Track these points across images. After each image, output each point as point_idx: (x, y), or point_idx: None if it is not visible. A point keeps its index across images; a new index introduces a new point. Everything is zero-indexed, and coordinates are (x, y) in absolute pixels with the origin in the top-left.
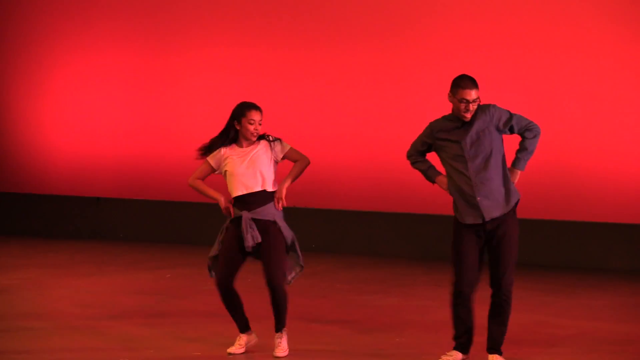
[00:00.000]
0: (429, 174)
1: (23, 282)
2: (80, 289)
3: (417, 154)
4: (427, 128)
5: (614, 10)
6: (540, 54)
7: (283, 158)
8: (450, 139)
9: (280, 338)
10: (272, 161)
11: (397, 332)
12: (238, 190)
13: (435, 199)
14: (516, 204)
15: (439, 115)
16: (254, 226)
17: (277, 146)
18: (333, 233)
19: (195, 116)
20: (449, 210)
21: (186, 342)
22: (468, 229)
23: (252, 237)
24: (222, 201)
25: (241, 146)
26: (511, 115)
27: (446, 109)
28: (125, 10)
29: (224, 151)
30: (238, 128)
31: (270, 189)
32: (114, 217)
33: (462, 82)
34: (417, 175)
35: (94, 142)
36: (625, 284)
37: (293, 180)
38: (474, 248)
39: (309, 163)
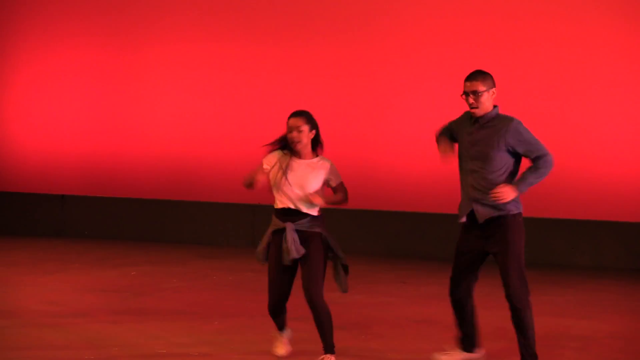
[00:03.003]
0: (438, 135)
1: None
2: (44, 287)
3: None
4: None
5: (611, 9)
6: (529, 49)
7: (334, 186)
8: (461, 132)
9: None
10: (324, 183)
11: (362, 329)
12: (282, 203)
13: (401, 195)
14: (517, 214)
15: (413, 112)
16: (297, 238)
17: (334, 174)
18: None
19: (161, 113)
20: (413, 207)
21: (151, 339)
22: (466, 229)
23: (296, 250)
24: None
25: (298, 157)
26: (528, 140)
27: (421, 106)
28: (90, 6)
29: (277, 154)
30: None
31: (312, 212)
32: (78, 214)
33: (468, 75)
34: (382, 172)
35: (58, 139)
36: (590, 280)
37: (328, 203)
38: (468, 249)
39: (346, 201)
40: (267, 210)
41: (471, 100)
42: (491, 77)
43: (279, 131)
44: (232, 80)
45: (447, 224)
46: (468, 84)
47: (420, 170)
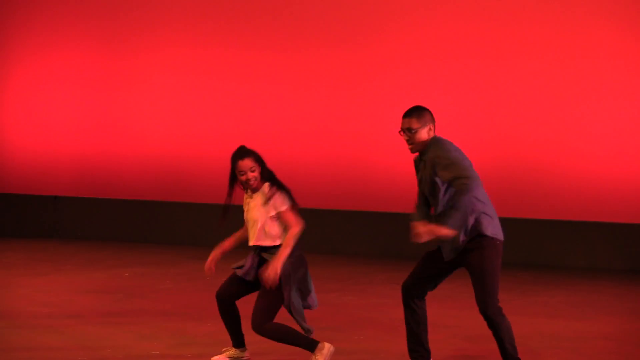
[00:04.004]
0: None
1: None
2: (37, 288)
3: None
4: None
5: (611, 12)
6: (527, 53)
7: (278, 216)
8: (417, 171)
9: None
10: (268, 212)
11: (355, 330)
12: (250, 240)
13: (394, 197)
14: (480, 236)
15: (396, 116)
16: (256, 263)
17: (277, 201)
18: None
19: (154, 115)
20: (407, 209)
21: (144, 340)
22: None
23: (252, 273)
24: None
25: (251, 191)
26: (440, 162)
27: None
28: (84, 11)
29: (245, 197)
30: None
31: (273, 243)
32: (71, 215)
33: (405, 112)
34: (376, 173)
35: (51, 140)
36: (583, 281)
37: (286, 257)
38: (432, 260)
39: (299, 232)
40: None
41: (406, 138)
42: (429, 113)
43: (273, 133)
44: (225, 83)
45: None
46: (403, 120)
47: (413, 172)
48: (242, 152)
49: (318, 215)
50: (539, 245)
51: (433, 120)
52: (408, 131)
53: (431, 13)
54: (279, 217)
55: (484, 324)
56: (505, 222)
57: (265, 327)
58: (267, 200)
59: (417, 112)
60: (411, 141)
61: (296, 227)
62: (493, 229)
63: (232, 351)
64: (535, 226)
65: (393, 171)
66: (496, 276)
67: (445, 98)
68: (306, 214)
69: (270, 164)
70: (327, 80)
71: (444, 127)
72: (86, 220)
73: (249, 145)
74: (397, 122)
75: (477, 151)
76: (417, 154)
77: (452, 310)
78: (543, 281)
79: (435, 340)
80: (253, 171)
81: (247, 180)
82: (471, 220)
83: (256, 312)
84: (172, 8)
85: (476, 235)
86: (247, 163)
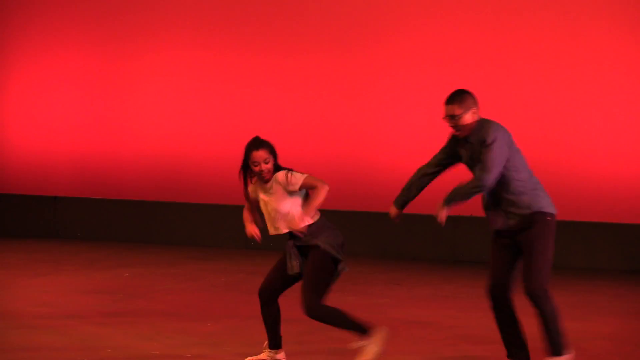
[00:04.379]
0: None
1: None
2: (37, 288)
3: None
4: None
5: (611, 11)
6: (526, 52)
7: (300, 188)
8: (459, 151)
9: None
10: (292, 196)
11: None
12: (271, 230)
13: (393, 197)
14: (540, 213)
15: (407, 115)
16: (296, 253)
17: (292, 179)
18: None
19: (154, 116)
20: (407, 209)
21: (144, 341)
22: (496, 234)
23: (296, 264)
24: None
25: (263, 182)
26: (486, 146)
27: (416, 109)
28: (86, 12)
29: (251, 187)
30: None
31: (299, 226)
32: (71, 216)
33: (447, 98)
34: (377, 173)
35: (51, 141)
36: (582, 281)
37: (311, 213)
38: (500, 251)
39: (327, 189)
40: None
41: (451, 124)
42: (470, 96)
43: (273, 135)
44: (224, 84)
45: (439, 226)
46: (446, 107)
47: (412, 172)
48: (257, 143)
49: (322, 217)
50: None
51: (476, 103)
52: (452, 118)
53: (433, 16)
54: (302, 189)
55: (484, 323)
56: None
57: (320, 308)
58: (287, 185)
59: (458, 97)
60: (457, 127)
61: (323, 184)
62: (547, 204)
63: (267, 352)
64: None
65: (394, 172)
66: (547, 254)
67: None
68: None
69: None
70: (327, 82)
71: (445, 127)
72: (86, 221)
73: (260, 134)
74: (399, 122)
75: None
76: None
77: (451, 311)
78: None
79: (436, 340)
80: (267, 163)
81: (261, 171)
82: (525, 198)
83: (306, 293)
84: (171, 10)
85: (530, 212)
86: (261, 154)
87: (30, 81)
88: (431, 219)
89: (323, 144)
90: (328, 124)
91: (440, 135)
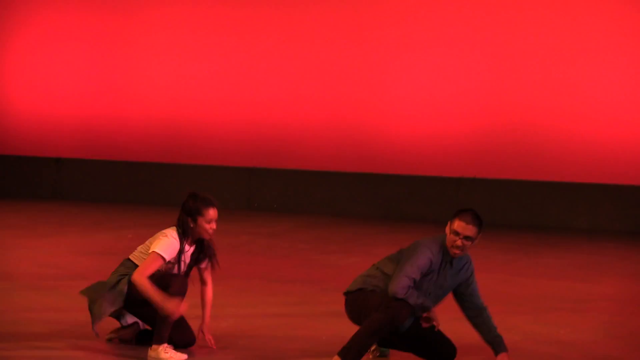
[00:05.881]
0: (426, 303)
1: None
2: (41, 250)
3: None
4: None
5: None
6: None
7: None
8: (434, 270)
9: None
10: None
11: None
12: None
13: (397, 158)
14: None
15: (408, 76)
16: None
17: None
18: (294, 193)
19: (158, 76)
20: (410, 170)
21: None
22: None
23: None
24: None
25: (188, 242)
26: (475, 282)
27: (417, 70)
28: None
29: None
30: (192, 226)
31: None
32: (74, 177)
33: (464, 215)
34: (378, 136)
35: (54, 102)
36: (586, 243)
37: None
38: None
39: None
40: (264, 174)
41: (459, 243)
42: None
43: (277, 95)
44: (227, 43)
45: (442, 186)
46: (464, 225)
47: (415, 134)
48: (212, 201)
49: (322, 177)
50: (543, 207)
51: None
52: (467, 239)
53: None
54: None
55: (487, 284)
56: (509, 184)
57: None
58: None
59: (479, 222)
60: (462, 249)
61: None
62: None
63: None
64: (538, 188)
65: (397, 133)
66: None
67: (450, 62)
68: (307, 176)
69: (274, 126)
70: (334, 40)
71: (450, 89)
72: (89, 182)
73: (255, 106)
74: (401, 85)
75: (481, 114)
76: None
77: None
78: (546, 243)
79: None
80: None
81: (212, 230)
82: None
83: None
84: None
85: None
86: (217, 213)
87: (32, 41)
88: (435, 180)
89: (327, 105)
90: (333, 86)
91: (445, 94)
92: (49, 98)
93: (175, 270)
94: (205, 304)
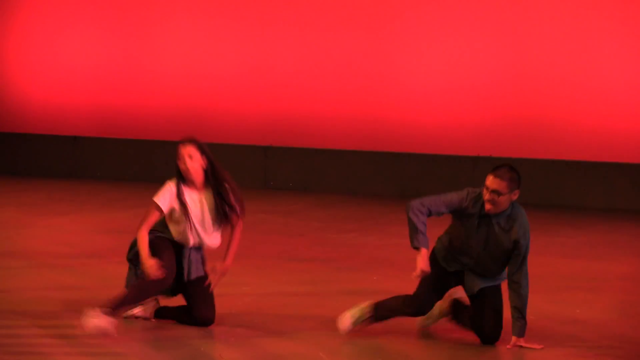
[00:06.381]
0: (419, 238)
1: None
2: (57, 228)
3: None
4: (460, 192)
5: None
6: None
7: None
8: (469, 216)
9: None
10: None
11: (374, 270)
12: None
13: (413, 137)
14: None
15: (414, 54)
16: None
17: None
18: (310, 171)
19: (174, 53)
20: (426, 149)
21: None
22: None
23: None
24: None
25: (190, 186)
26: (521, 253)
27: (425, 55)
28: None
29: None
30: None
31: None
32: (91, 156)
33: (496, 170)
34: (395, 114)
35: (71, 80)
36: (601, 222)
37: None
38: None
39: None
40: (280, 152)
41: (488, 198)
42: (518, 177)
43: (292, 71)
44: (245, 22)
45: (459, 165)
46: (492, 179)
47: (432, 112)
48: (185, 138)
49: (338, 155)
50: (558, 186)
51: (520, 185)
52: (495, 193)
53: None
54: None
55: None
56: (525, 163)
57: None
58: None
59: (509, 176)
60: (493, 202)
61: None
62: None
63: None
64: (554, 167)
65: (413, 112)
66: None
67: (467, 42)
68: (323, 154)
69: (289, 102)
70: (350, 17)
71: (467, 69)
72: (105, 160)
73: (271, 84)
74: (418, 64)
75: (497, 93)
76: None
77: None
78: (562, 221)
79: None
80: (191, 157)
81: (186, 167)
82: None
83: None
84: None
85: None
86: (188, 149)
87: (49, 20)
88: (451, 159)
89: (345, 84)
90: (350, 64)
91: (461, 73)
92: (65, 76)
93: (189, 224)
94: (228, 247)
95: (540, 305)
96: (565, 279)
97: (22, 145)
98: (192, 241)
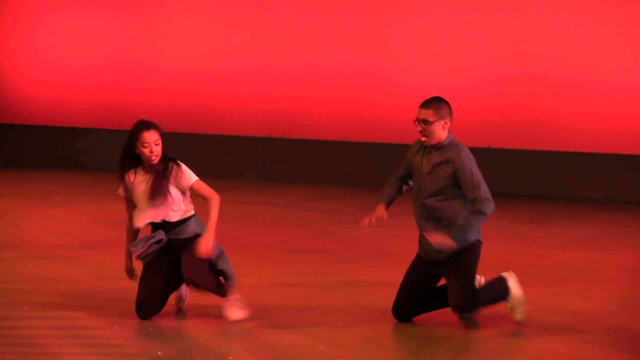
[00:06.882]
0: (381, 196)
1: None
2: (55, 219)
3: (395, 176)
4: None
5: None
6: None
7: (190, 189)
8: (414, 161)
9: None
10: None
11: (373, 261)
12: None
13: (411, 128)
14: (474, 242)
15: (413, 46)
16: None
17: (182, 178)
18: (308, 163)
19: (172, 43)
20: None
21: None
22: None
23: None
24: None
25: (146, 171)
26: (466, 177)
27: (422, 46)
28: None
29: (130, 177)
30: (137, 152)
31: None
32: (89, 147)
33: (423, 102)
34: (392, 106)
35: (68, 71)
36: (601, 213)
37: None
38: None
39: (219, 200)
40: (278, 143)
41: (419, 129)
42: (447, 106)
43: (292, 61)
44: (244, 13)
45: None
46: (419, 110)
47: None
48: (148, 124)
49: (337, 147)
50: (558, 177)
51: (450, 115)
52: (423, 122)
53: None
54: (191, 191)
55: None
56: (524, 154)
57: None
58: (176, 177)
59: (435, 104)
60: (425, 133)
61: (215, 195)
62: (478, 233)
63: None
64: (554, 158)
65: (411, 103)
66: (474, 276)
67: (463, 32)
68: (322, 146)
69: (288, 93)
70: (349, 9)
71: (463, 59)
72: (104, 152)
73: (270, 75)
74: (416, 55)
75: (495, 84)
76: (421, 140)
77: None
78: (561, 213)
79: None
80: (157, 144)
81: (152, 153)
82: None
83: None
84: None
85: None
86: (154, 135)
87: (48, 11)
88: None
89: (343, 75)
90: (349, 55)
91: (457, 63)
92: (62, 67)
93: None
94: (208, 218)
95: (538, 296)
96: (564, 270)
97: (19, 137)
98: (153, 217)
